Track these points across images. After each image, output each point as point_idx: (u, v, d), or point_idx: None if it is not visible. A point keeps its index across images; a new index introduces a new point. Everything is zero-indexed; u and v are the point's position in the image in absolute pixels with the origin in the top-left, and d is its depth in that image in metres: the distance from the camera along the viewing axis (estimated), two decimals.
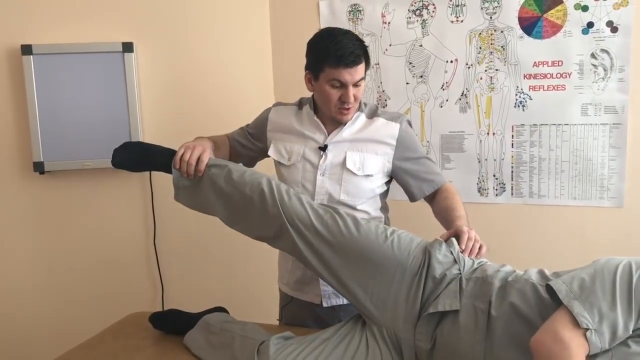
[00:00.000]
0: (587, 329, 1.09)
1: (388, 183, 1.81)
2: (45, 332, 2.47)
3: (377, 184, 1.74)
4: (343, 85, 1.62)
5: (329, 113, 1.70)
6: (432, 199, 1.77)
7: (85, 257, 2.47)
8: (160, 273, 2.48)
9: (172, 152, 1.73)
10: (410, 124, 1.79)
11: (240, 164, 1.72)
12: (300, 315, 1.84)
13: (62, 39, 2.31)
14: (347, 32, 1.66)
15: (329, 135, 1.74)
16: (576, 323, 1.10)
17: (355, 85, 1.64)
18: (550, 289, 1.18)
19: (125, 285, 2.50)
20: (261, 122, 1.86)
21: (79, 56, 2.29)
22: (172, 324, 1.78)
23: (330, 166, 1.72)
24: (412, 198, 1.78)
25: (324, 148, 1.72)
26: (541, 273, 1.32)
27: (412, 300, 1.41)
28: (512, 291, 1.29)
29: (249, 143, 1.89)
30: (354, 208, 1.71)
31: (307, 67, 1.70)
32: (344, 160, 1.71)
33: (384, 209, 1.85)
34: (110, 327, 1.88)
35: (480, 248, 1.50)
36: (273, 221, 1.57)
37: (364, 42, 1.67)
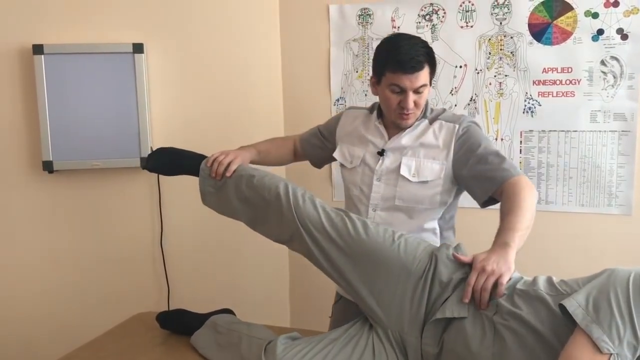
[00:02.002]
0: (610, 354, 1.09)
1: (456, 195, 1.73)
2: (52, 330, 2.48)
3: (436, 190, 1.67)
4: (403, 91, 1.61)
5: (390, 117, 1.69)
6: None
7: (92, 256, 2.48)
8: (166, 274, 2.48)
9: (203, 157, 1.79)
10: (475, 123, 1.70)
11: (264, 169, 1.74)
12: (347, 313, 1.81)
13: (73, 39, 2.33)
14: (412, 38, 1.63)
15: (389, 139, 1.73)
16: (597, 347, 1.10)
17: (417, 91, 1.61)
18: (563, 308, 1.18)
19: (132, 285, 2.50)
20: (333, 124, 1.89)
21: (90, 56, 2.30)
22: (179, 323, 1.79)
23: (386, 171, 1.70)
24: (478, 201, 1.63)
25: (381, 153, 1.72)
26: (549, 282, 1.32)
27: (417, 303, 1.41)
28: (521, 301, 1.28)
29: (320, 142, 1.93)
30: (411, 216, 1.68)
31: (372, 71, 1.71)
32: (399, 166, 1.68)
33: (447, 224, 1.74)
34: (117, 326, 1.89)
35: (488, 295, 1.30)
36: (288, 224, 1.59)
37: (431, 48, 1.63)
